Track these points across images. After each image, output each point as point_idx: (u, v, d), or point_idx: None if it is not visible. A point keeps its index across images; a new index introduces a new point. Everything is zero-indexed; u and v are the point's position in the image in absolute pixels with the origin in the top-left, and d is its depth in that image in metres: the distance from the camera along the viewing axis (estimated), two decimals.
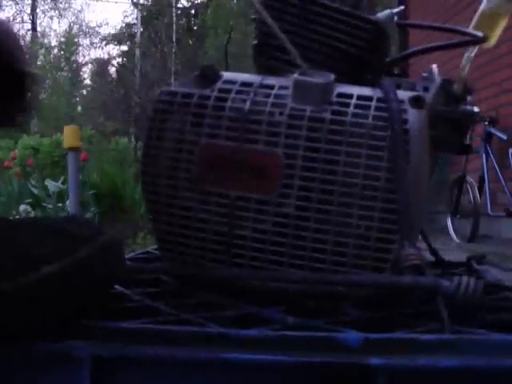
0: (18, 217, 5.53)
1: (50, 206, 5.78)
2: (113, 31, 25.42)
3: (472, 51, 0.97)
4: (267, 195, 0.84)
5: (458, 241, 6.15)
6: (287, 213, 0.83)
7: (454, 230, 6.40)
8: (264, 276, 0.84)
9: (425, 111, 0.85)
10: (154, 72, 16.76)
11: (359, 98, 0.83)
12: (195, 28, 20.78)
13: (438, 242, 6.05)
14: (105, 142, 10.55)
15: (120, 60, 23.63)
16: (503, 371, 0.61)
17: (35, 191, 6.61)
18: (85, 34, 25.21)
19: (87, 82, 26.61)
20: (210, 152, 0.86)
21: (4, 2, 23.29)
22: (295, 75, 0.86)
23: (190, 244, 0.88)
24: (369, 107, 0.82)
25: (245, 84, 0.87)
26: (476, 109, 1.01)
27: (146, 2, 22.00)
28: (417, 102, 0.84)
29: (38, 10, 24.11)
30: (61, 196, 6.06)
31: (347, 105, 0.83)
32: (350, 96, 0.83)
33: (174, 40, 19.08)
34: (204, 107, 0.87)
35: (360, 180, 0.81)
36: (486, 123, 6.34)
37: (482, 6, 0.98)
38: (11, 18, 23.47)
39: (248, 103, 0.85)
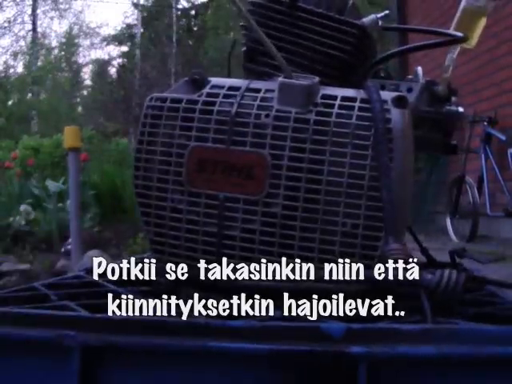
0: (18, 217, 5.55)
1: (51, 207, 5.79)
2: (113, 32, 25.39)
3: (455, 52, 0.98)
4: (255, 195, 0.86)
5: (457, 241, 6.16)
6: (275, 212, 0.85)
7: (453, 230, 6.41)
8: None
9: (408, 111, 0.86)
10: (154, 72, 16.77)
11: (343, 99, 0.85)
12: (195, 29, 20.79)
13: (437, 242, 6.07)
14: (105, 143, 10.56)
15: (120, 61, 23.66)
16: (481, 360, 0.64)
17: (36, 191, 6.63)
18: (85, 35, 25.23)
19: (87, 82, 26.66)
20: (199, 154, 0.89)
21: (5, 3, 23.32)
22: (280, 78, 0.88)
23: (180, 245, 0.90)
24: (353, 108, 0.84)
25: (232, 88, 0.90)
26: (460, 109, 1.02)
27: (146, 3, 22.02)
28: (400, 101, 0.85)
29: (38, 11, 24.14)
30: (61, 196, 6.08)
31: (331, 106, 0.85)
32: (335, 97, 0.86)
33: (174, 41, 19.09)
34: (192, 111, 0.89)
35: (345, 179, 0.83)
36: (485, 124, 6.36)
37: (462, 4, 1.03)
38: (12, 19, 23.52)
39: (235, 106, 0.88)
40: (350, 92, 0.86)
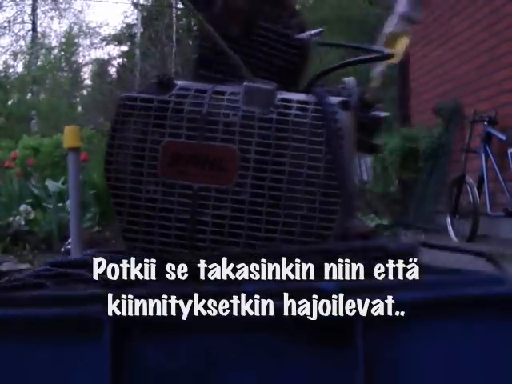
0: (18, 217, 5.55)
1: (50, 206, 5.79)
2: (113, 32, 25.42)
3: (382, 65, 1.19)
4: (225, 185, 0.97)
5: (457, 241, 6.16)
6: (243, 199, 0.97)
7: (453, 229, 6.41)
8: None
9: (351, 113, 1.01)
10: (154, 72, 16.76)
11: (298, 102, 0.99)
12: (195, 29, 20.79)
13: (437, 241, 6.07)
14: (105, 143, 10.55)
15: (120, 60, 23.67)
16: (440, 301, 0.80)
17: (35, 191, 6.63)
18: (85, 35, 25.23)
19: (87, 82, 26.67)
20: (173, 149, 0.98)
21: (4, 3, 23.32)
22: (245, 83, 1.00)
23: (154, 232, 0.99)
24: (307, 109, 0.98)
25: (199, 90, 1.00)
26: (383, 114, 1.17)
27: (146, 3, 22.02)
28: (345, 105, 1.00)
29: (38, 11, 24.14)
30: (61, 196, 6.08)
31: (289, 107, 0.98)
32: (291, 100, 0.99)
33: (173, 40, 19.09)
34: (165, 110, 0.99)
35: (304, 169, 0.96)
36: (486, 123, 6.36)
37: (386, 29, 1.23)
38: (12, 19, 23.52)
39: (206, 106, 0.98)
40: (302, 96, 1.00)
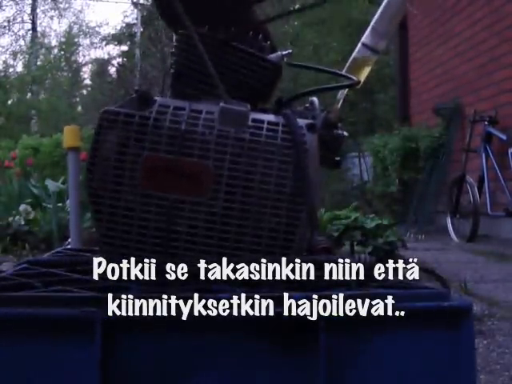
0: (17, 216, 5.55)
1: (50, 206, 5.79)
2: (113, 31, 25.46)
3: (345, 89, 1.31)
4: (200, 197, 1.05)
5: (457, 241, 6.16)
6: (216, 212, 1.05)
7: (453, 229, 6.40)
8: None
9: (316, 135, 1.10)
10: (154, 72, 16.76)
11: (269, 123, 1.08)
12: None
13: (437, 241, 6.07)
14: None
15: (120, 60, 23.65)
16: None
17: (35, 191, 6.62)
18: (85, 34, 25.23)
19: (87, 82, 26.66)
20: (152, 162, 1.06)
21: (4, 2, 23.31)
22: (221, 104, 1.09)
23: (131, 239, 1.06)
24: (277, 131, 1.07)
25: (177, 108, 1.08)
26: (345, 133, 1.26)
27: (145, 2, 22.00)
28: (311, 128, 1.09)
29: (38, 10, 24.13)
30: (61, 196, 6.07)
31: (261, 128, 1.07)
32: (262, 121, 1.08)
33: (173, 40, 19.03)
34: (145, 126, 1.06)
35: (272, 186, 1.05)
36: (486, 123, 6.35)
37: (353, 55, 1.33)
38: (11, 18, 23.51)
39: (183, 124, 1.06)
40: (272, 117, 1.09)
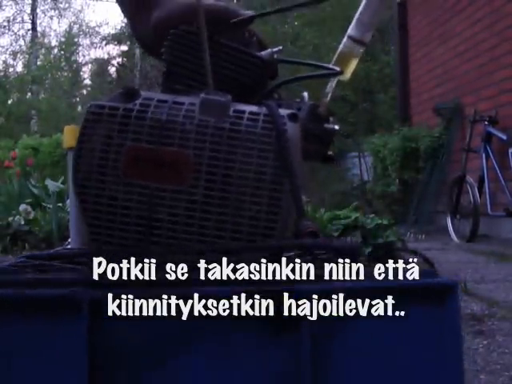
0: (17, 216, 5.55)
1: (50, 206, 5.78)
2: (113, 31, 25.43)
3: (333, 82, 1.31)
4: (180, 186, 1.08)
5: (457, 241, 6.16)
6: (196, 199, 1.07)
7: (453, 229, 6.40)
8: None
9: (298, 125, 1.11)
10: (154, 72, 16.77)
11: (250, 113, 1.09)
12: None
13: (437, 241, 6.08)
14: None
15: (120, 60, 23.66)
16: (378, 289, 0.92)
17: (35, 191, 6.63)
18: (85, 34, 25.24)
19: (87, 81, 26.66)
20: (133, 152, 1.09)
21: (4, 2, 23.31)
22: (202, 94, 1.11)
23: (115, 227, 1.09)
24: (258, 120, 1.08)
25: (161, 101, 1.11)
26: (336, 127, 1.27)
27: None
28: (293, 117, 1.11)
29: (38, 10, 24.13)
30: (61, 196, 6.08)
31: (241, 118, 1.09)
32: (243, 112, 1.10)
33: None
34: (128, 117, 1.09)
35: (252, 174, 1.07)
36: (486, 123, 6.35)
37: (340, 48, 1.35)
38: (11, 18, 23.51)
39: (164, 115, 1.09)
40: (254, 108, 1.11)
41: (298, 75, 1.29)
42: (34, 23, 23.78)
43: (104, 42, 24.45)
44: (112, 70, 24.20)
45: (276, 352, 0.91)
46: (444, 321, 0.92)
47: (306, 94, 1.25)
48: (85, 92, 25.95)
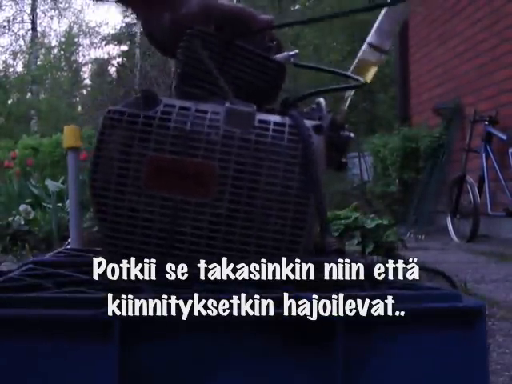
0: (17, 216, 5.54)
1: (50, 206, 5.78)
2: (113, 31, 25.39)
3: (351, 91, 1.30)
4: (204, 198, 1.04)
5: (457, 241, 6.16)
6: (220, 213, 1.04)
7: (453, 229, 6.40)
8: None
9: (323, 137, 1.08)
10: (154, 72, 16.77)
11: (275, 124, 1.06)
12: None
13: (437, 241, 6.08)
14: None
15: (120, 60, 23.65)
16: (407, 314, 0.88)
17: (35, 191, 6.63)
18: (85, 34, 25.23)
19: (87, 82, 26.65)
20: (156, 163, 1.05)
21: (4, 2, 23.31)
22: (227, 104, 1.07)
23: (135, 240, 1.05)
24: (283, 131, 1.05)
25: (183, 108, 1.07)
26: (352, 135, 1.21)
27: None
28: (318, 129, 1.08)
29: (38, 10, 24.13)
30: (61, 196, 6.08)
31: (267, 129, 1.06)
32: (269, 122, 1.06)
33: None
34: (150, 126, 1.05)
35: (278, 188, 1.04)
36: (486, 123, 6.36)
37: (359, 55, 1.32)
38: (11, 18, 23.51)
39: (189, 124, 1.05)
40: (279, 119, 1.07)
41: (324, 88, 1.27)
42: (33, 23, 23.77)
43: (104, 42, 24.46)
44: (112, 70, 24.20)
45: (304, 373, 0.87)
46: (472, 345, 0.90)
47: (322, 101, 1.23)
48: (85, 92, 25.93)
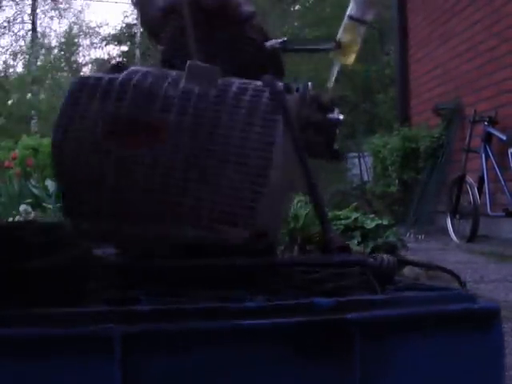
0: (17, 217, 5.54)
1: (50, 206, 5.78)
2: (113, 31, 25.39)
3: (337, 66, 1.23)
4: (158, 152, 1.02)
5: (457, 241, 6.15)
6: (174, 166, 1.01)
7: (453, 230, 6.40)
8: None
9: (293, 97, 1.07)
10: None
11: (240, 83, 1.05)
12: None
13: (437, 242, 6.07)
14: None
15: (120, 60, 23.62)
16: (423, 317, 0.88)
17: (35, 191, 6.62)
18: (85, 35, 25.22)
19: None
20: (113, 119, 1.05)
21: (4, 3, 23.30)
22: (189, 62, 1.07)
23: (89, 197, 1.04)
24: (247, 89, 1.03)
25: (147, 72, 1.08)
26: (341, 117, 1.17)
27: None
28: (288, 89, 1.08)
29: (38, 11, 24.12)
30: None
31: (230, 86, 1.04)
32: (232, 82, 1.05)
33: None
34: (111, 85, 1.06)
35: (236, 147, 1.01)
36: (486, 123, 6.35)
37: (340, 32, 1.27)
38: (11, 19, 23.51)
39: (148, 81, 1.06)
40: (245, 81, 1.06)
41: (294, 47, 1.24)
42: (34, 24, 23.76)
43: (104, 43, 24.45)
44: None
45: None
46: (488, 348, 0.87)
47: (310, 84, 1.19)
48: None
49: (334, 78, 1.26)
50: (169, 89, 1.05)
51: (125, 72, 1.08)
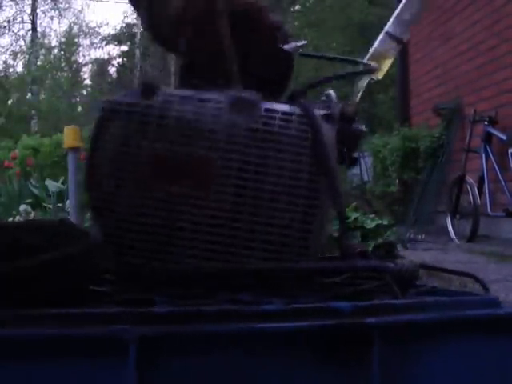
0: (17, 217, 5.54)
1: (50, 206, 5.78)
2: (113, 31, 25.37)
3: (365, 80, 1.20)
4: (205, 192, 0.97)
5: (457, 241, 6.15)
6: (223, 207, 0.97)
7: (453, 230, 6.40)
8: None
9: (334, 126, 1.03)
10: (154, 72, 16.76)
11: (283, 113, 0.99)
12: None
13: (437, 242, 6.07)
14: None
15: (120, 60, 23.64)
16: (447, 321, 0.86)
17: (35, 191, 6.62)
18: (85, 34, 25.21)
19: (87, 82, 26.63)
20: (155, 156, 0.98)
21: (4, 2, 23.29)
22: (230, 92, 1.00)
23: (134, 237, 0.99)
24: (291, 121, 0.98)
25: (184, 97, 1.00)
26: (364, 128, 1.16)
27: None
28: (328, 118, 1.03)
29: (38, 10, 24.11)
30: (61, 196, 6.07)
31: (273, 118, 0.98)
32: (275, 111, 0.99)
33: None
34: (149, 115, 0.98)
35: (286, 180, 0.97)
36: (486, 123, 6.35)
37: (375, 45, 1.25)
38: (11, 18, 23.50)
39: (190, 114, 0.98)
40: (286, 107, 1.00)
41: (333, 75, 1.19)
42: (34, 23, 23.75)
43: (104, 43, 24.44)
44: (112, 70, 24.20)
45: None
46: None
47: (332, 93, 1.16)
48: (85, 92, 25.91)
49: (360, 93, 1.25)
50: (213, 122, 0.99)
51: (159, 97, 0.99)
